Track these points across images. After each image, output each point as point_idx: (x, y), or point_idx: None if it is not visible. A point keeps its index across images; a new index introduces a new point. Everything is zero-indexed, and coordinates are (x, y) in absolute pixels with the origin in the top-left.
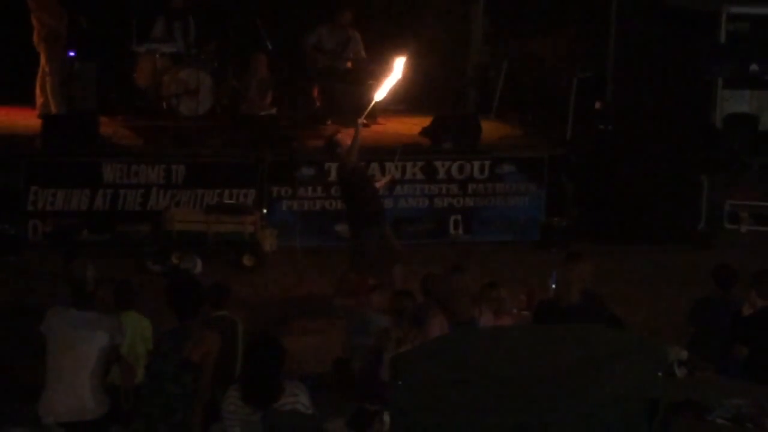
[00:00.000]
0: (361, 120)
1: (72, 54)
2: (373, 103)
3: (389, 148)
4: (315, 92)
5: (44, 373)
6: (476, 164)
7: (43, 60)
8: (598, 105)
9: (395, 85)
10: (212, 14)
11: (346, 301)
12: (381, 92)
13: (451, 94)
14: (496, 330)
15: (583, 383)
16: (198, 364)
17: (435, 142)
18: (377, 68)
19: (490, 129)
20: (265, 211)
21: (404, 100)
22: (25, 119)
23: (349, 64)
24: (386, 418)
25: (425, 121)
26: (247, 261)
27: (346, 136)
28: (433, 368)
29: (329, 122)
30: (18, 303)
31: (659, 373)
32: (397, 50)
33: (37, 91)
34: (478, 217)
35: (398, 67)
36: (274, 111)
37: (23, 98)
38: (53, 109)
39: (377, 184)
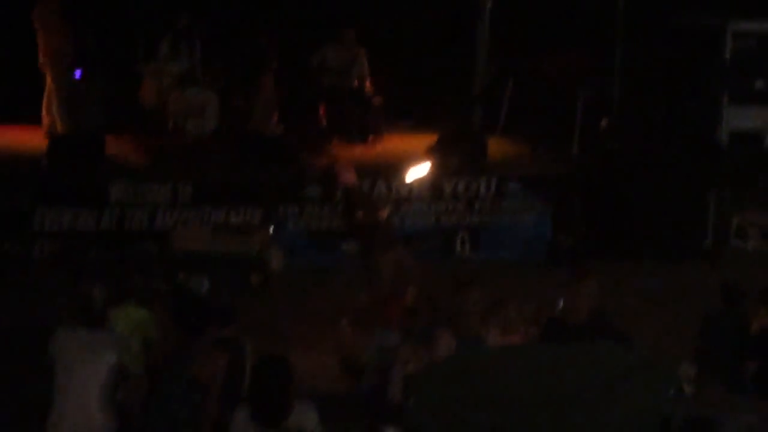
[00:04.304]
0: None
1: (78, 73)
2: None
3: (394, 166)
4: (321, 111)
5: (52, 393)
6: (483, 182)
7: (49, 79)
8: (603, 123)
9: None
10: (218, 33)
11: (354, 323)
12: (410, 176)
13: (456, 112)
14: (505, 350)
15: (595, 403)
16: (205, 384)
17: (441, 159)
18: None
19: (496, 147)
20: (271, 230)
21: (409, 118)
22: (31, 139)
23: (355, 83)
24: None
25: (431, 139)
26: (254, 280)
27: (345, 163)
28: (444, 388)
29: (335, 140)
30: (25, 323)
31: (670, 391)
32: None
33: (44, 110)
34: (485, 235)
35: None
36: (280, 130)
37: (30, 118)
38: (59, 128)
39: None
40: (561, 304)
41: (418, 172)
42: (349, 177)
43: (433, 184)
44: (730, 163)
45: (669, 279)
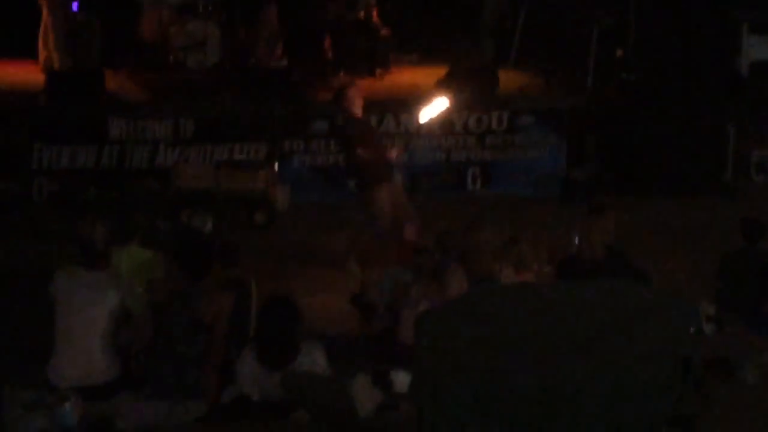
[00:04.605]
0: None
1: (75, 6)
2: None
3: (402, 100)
4: (326, 43)
5: (53, 335)
6: (494, 116)
7: (45, 13)
8: (619, 53)
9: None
10: None
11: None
12: (424, 115)
13: (466, 44)
14: (519, 287)
15: (613, 342)
16: (210, 325)
17: (451, 93)
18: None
19: (507, 79)
20: (276, 166)
21: (418, 50)
22: (27, 74)
23: (361, 14)
24: (399, 377)
25: (440, 72)
26: (258, 218)
27: (357, 90)
28: (456, 328)
29: (341, 74)
30: (24, 264)
31: (691, 330)
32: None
33: (40, 44)
34: (497, 170)
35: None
36: (284, 63)
37: (25, 52)
38: (57, 64)
39: (389, 153)
40: (576, 240)
41: (432, 110)
42: (357, 105)
43: (443, 118)
44: (750, 95)
45: (687, 215)
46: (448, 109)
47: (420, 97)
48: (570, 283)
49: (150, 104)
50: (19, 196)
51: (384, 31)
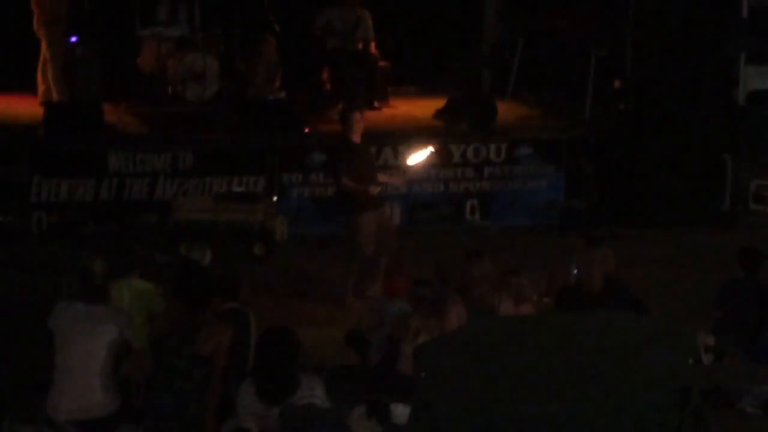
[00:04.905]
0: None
1: (74, 39)
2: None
3: (401, 132)
4: (325, 75)
5: (52, 369)
6: (492, 147)
7: (44, 46)
8: (617, 83)
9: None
10: None
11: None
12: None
13: (464, 75)
14: (518, 319)
15: (612, 372)
16: (209, 358)
17: (449, 124)
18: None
19: (506, 110)
20: (275, 198)
21: (416, 82)
22: (26, 107)
23: (360, 46)
24: (398, 409)
25: (438, 103)
26: (257, 250)
27: (360, 116)
28: (456, 360)
29: (340, 105)
30: (23, 297)
31: (690, 360)
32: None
33: (39, 77)
34: (495, 201)
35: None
36: (283, 95)
37: (24, 85)
38: (55, 96)
39: (381, 178)
40: (575, 271)
41: (420, 156)
42: (355, 130)
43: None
44: (748, 124)
45: (685, 245)
46: (432, 155)
47: (418, 129)
48: (569, 314)
49: (149, 137)
50: (18, 229)
51: (382, 63)
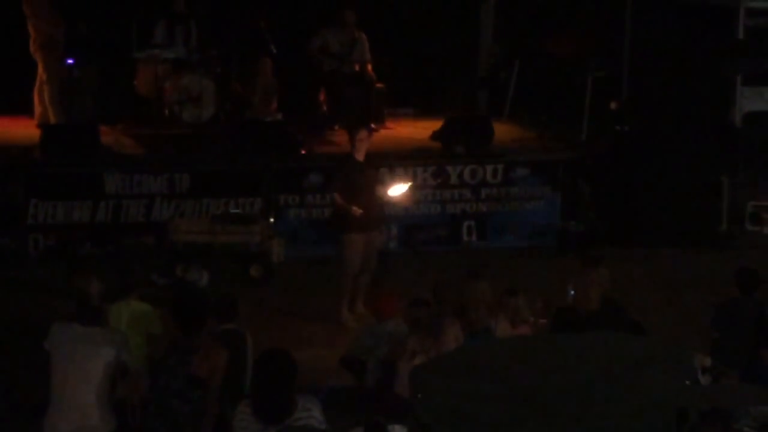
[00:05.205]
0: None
1: (70, 61)
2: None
3: (398, 153)
4: (322, 96)
5: (48, 390)
6: (489, 168)
7: (40, 68)
8: (613, 105)
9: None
10: (214, 18)
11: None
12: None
13: (461, 96)
14: (515, 340)
15: (609, 394)
16: (205, 380)
17: (446, 145)
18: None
19: (502, 131)
20: (272, 220)
21: (413, 103)
22: (23, 129)
23: (356, 67)
24: (395, 431)
25: (435, 124)
26: (254, 272)
27: (366, 135)
28: (453, 381)
29: (337, 127)
30: (20, 319)
31: (687, 382)
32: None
33: (35, 100)
34: (492, 222)
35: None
36: (279, 116)
37: (21, 108)
38: (52, 119)
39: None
40: (571, 292)
41: (399, 189)
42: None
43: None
44: (744, 145)
45: (682, 266)
46: (410, 190)
47: (415, 151)
48: (566, 335)
49: (145, 158)
50: (14, 251)
51: (378, 85)
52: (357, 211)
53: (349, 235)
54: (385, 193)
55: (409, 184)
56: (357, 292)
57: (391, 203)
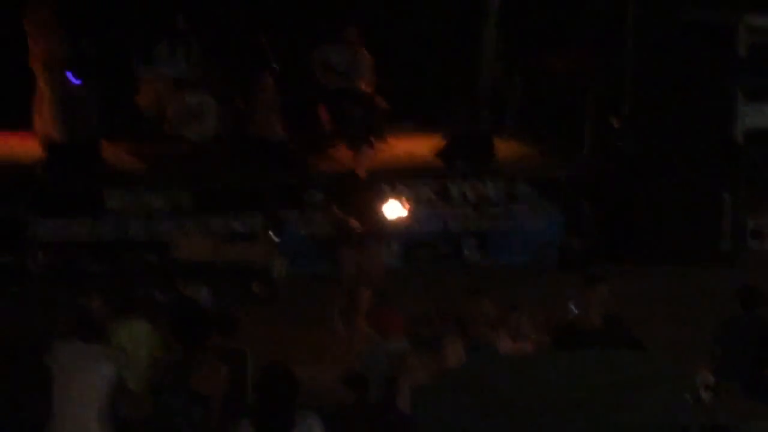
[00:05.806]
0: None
1: (72, 78)
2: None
3: (400, 170)
4: (323, 113)
5: (49, 406)
6: (491, 185)
7: (41, 84)
8: (615, 122)
9: None
10: (216, 35)
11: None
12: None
13: (463, 113)
14: (516, 358)
15: (609, 412)
16: (206, 397)
17: (448, 162)
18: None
19: (504, 148)
20: (274, 237)
21: (414, 119)
22: (24, 146)
23: (358, 84)
24: None
25: (436, 141)
26: (256, 289)
27: (370, 151)
28: (455, 398)
29: (338, 143)
30: (21, 335)
31: (688, 400)
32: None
33: (36, 116)
34: (493, 239)
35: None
36: (282, 133)
37: (22, 124)
38: (54, 136)
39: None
40: (573, 310)
41: (396, 212)
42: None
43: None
44: (746, 162)
45: (684, 283)
46: (407, 212)
47: (416, 167)
48: (568, 352)
49: (147, 176)
50: (16, 269)
51: (379, 101)
52: (354, 223)
53: (345, 250)
54: (385, 211)
55: (407, 211)
56: (356, 307)
57: (390, 222)
